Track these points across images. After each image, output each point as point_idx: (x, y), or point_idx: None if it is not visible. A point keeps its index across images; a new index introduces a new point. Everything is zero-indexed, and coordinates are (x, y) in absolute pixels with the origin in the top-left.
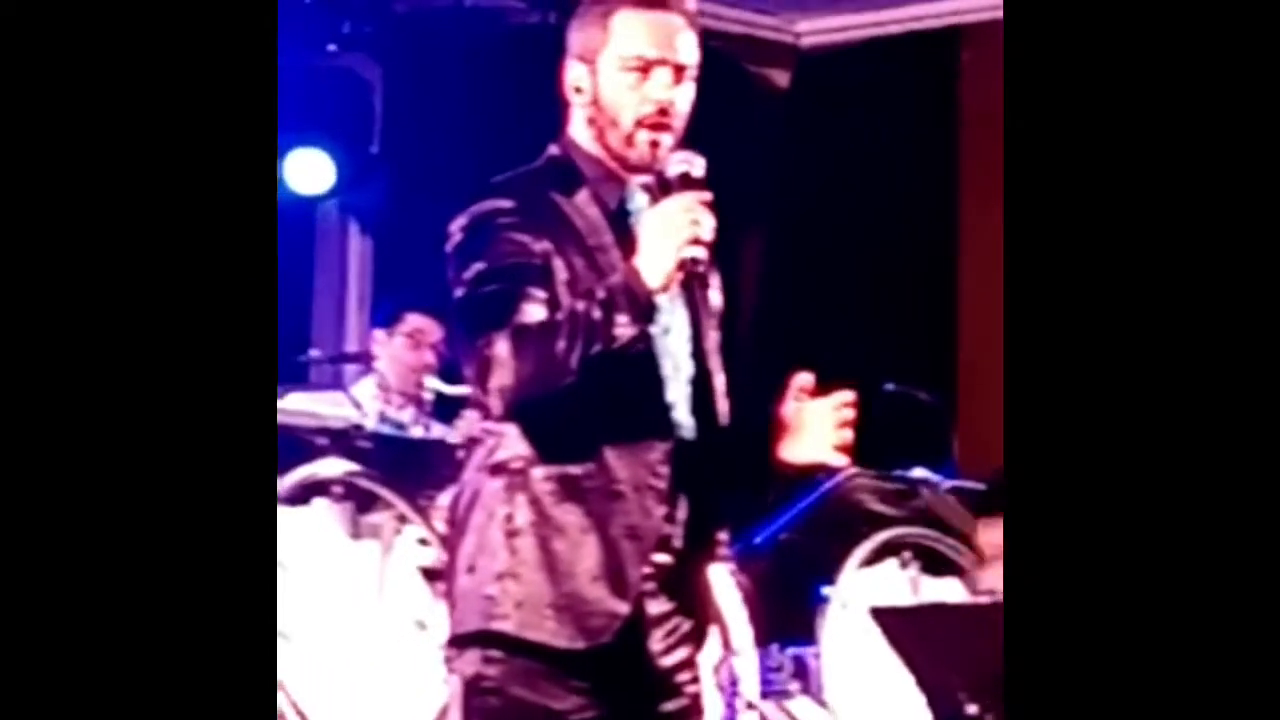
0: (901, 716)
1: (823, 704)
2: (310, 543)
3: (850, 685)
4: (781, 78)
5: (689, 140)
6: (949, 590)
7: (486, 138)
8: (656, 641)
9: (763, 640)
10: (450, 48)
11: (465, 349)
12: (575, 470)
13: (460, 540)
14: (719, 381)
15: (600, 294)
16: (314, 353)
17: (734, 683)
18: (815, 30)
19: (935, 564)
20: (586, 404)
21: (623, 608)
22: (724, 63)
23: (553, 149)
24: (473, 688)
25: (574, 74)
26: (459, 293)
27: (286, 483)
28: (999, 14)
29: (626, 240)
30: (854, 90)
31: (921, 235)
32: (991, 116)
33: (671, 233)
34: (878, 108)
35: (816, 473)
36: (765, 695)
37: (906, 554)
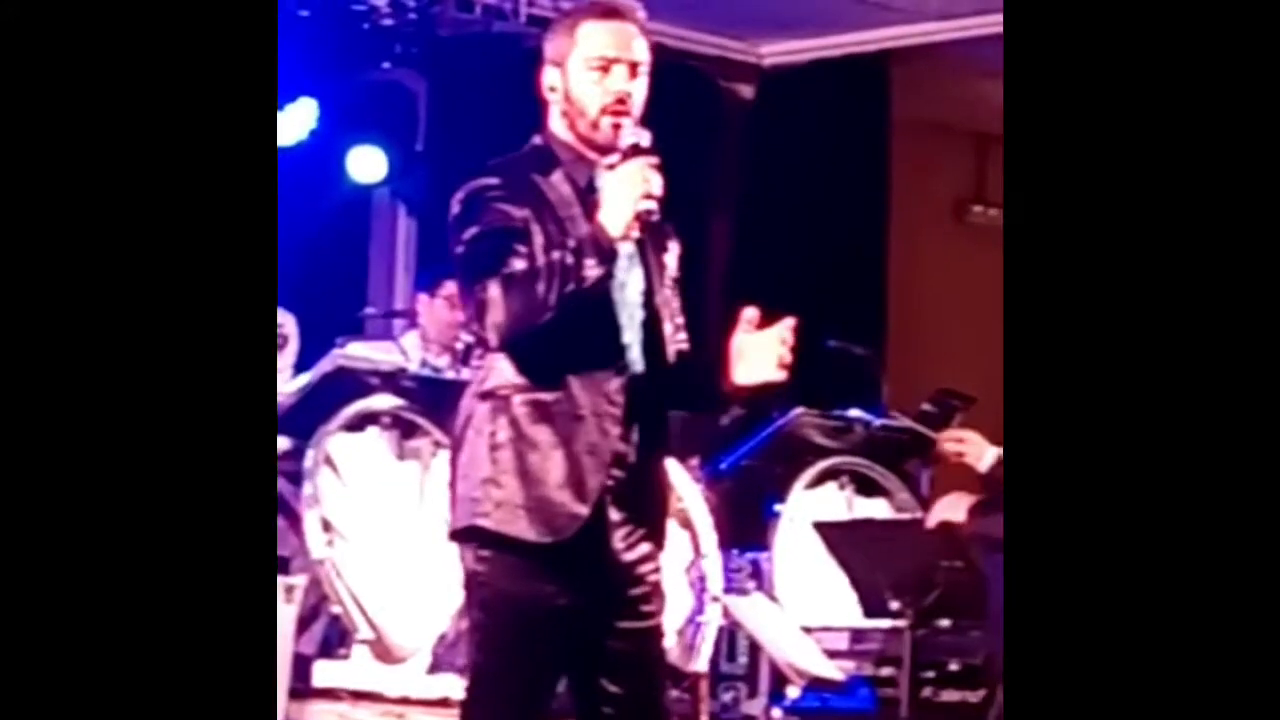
0: (837, 609)
1: (774, 599)
2: (364, 462)
3: (796, 584)
4: (747, 91)
5: (670, 140)
6: (877, 508)
7: (508, 136)
8: (618, 541)
9: (725, 546)
10: (480, 64)
11: (466, 296)
12: (546, 397)
13: (457, 454)
14: (666, 329)
15: (571, 244)
16: (369, 310)
17: (702, 579)
18: (775, 53)
19: (867, 487)
20: (559, 340)
21: (583, 510)
22: (699, 79)
23: (536, 139)
24: (471, 581)
25: (549, 77)
26: (459, 251)
27: (346, 414)
28: (926, 39)
29: (592, 212)
30: (806, 101)
31: (858, 218)
32: (915, 121)
33: (628, 189)
34: (825, 114)
35: (766, 394)
36: (727, 590)
37: (844, 478)
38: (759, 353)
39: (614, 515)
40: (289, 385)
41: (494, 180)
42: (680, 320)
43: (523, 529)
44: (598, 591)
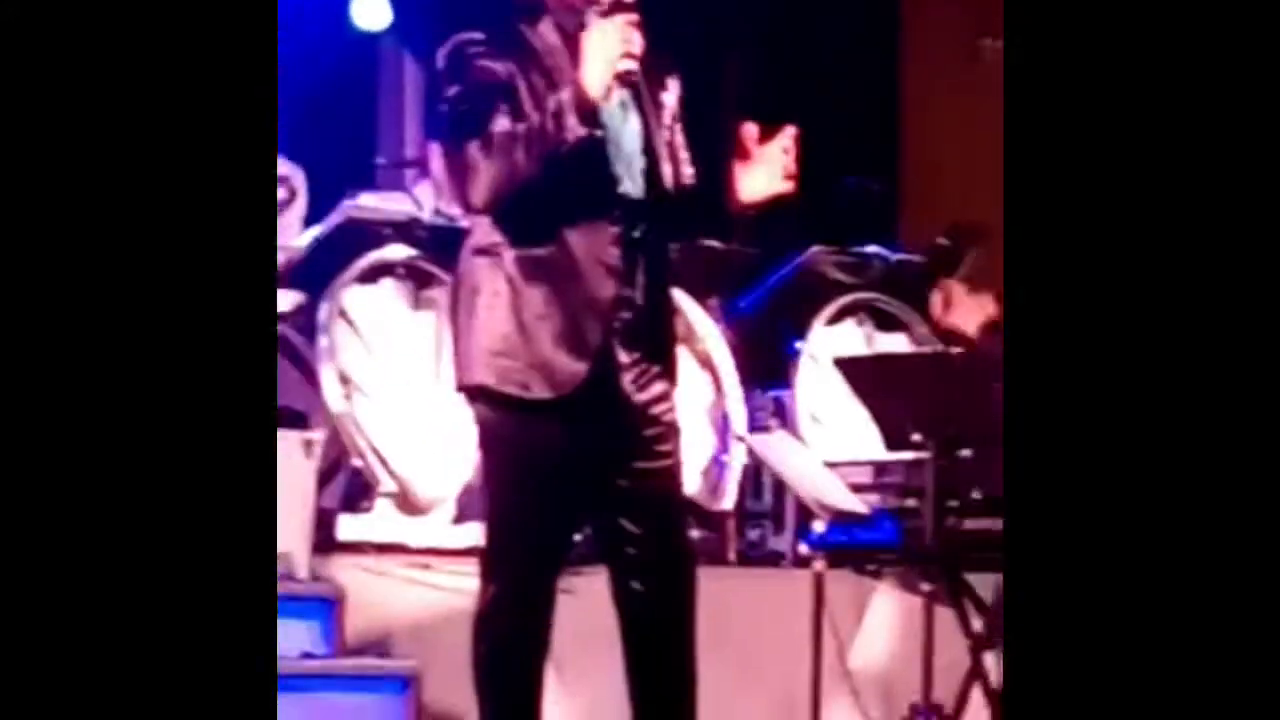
0: (860, 444)
1: (797, 436)
2: (379, 313)
3: (819, 421)
4: None
5: None
6: (896, 343)
7: None
8: (628, 382)
9: (747, 385)
10: None
11: (450, 155)
12: (540, 251)
13: (456, 311)
14: (667, 169)
15: (552, 105)
16: (380, 160)
17: (725, 418)
18: None
19: (885, 322)
20: (548, 196)
21: (582, 366)
22: None
23: None
24: (482, 433)
25: None
26: (442, 110)
27: (358, 265)
28: None
29: (580, 60)
30: None
31: (870, 53)
32: None
33: (607, 48)
34: None
35: (760, 208)
36: (751, 429)
37: (862, 314)
38: (763, 166)
39: (623, 357)
40: (299, 239)
41: (478, 35)
42: (685, 155)
43: (524, 388)
44: (611, 436)
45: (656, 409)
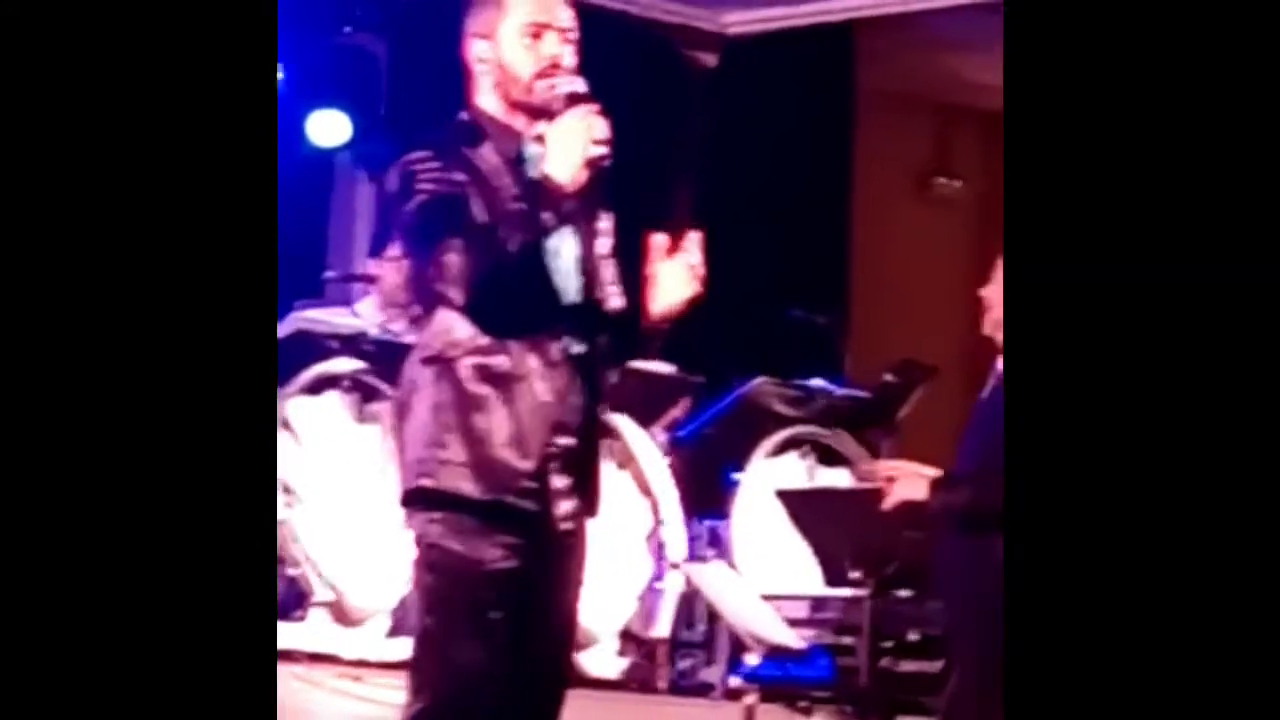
0: (797, 578)
1: (734, 566)
2: (323, 425)
3: (756, 552)
4: (710, 60)
5: (632, 110)
6: (838, 478)
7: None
8: (559, 507)
9: (687, 513)
10: (439, 28)
11: (420, 263)
12: (490, 360)
13: (403, 420)
14: (602, 291)
15: (525, 195)
16: (328, 274)
17: (661, 546)
18: (739, 21)
19: (828, 456)
20: (516, 291)
21: (528, 465)
22: (662, 47)
23: (461, 115)
24: (419, 543)
25: (476, 49)
26: (406, 222)
27: (305, 377)
28: (890, 10)
29: (522, 183)
30: (769, 69)
31: (822, 188)
32: (879, 92)
33: (574, 136)
34: (788, 83)
35: (676, 318)
36: (688, 559)
37: (805, 447)
38: (671, 274)
39: (555, 482)
40: None
41: (426, 153)
42: (615, 286)
43: (469, 487)
44: (536, 559)
45: (574, 537)
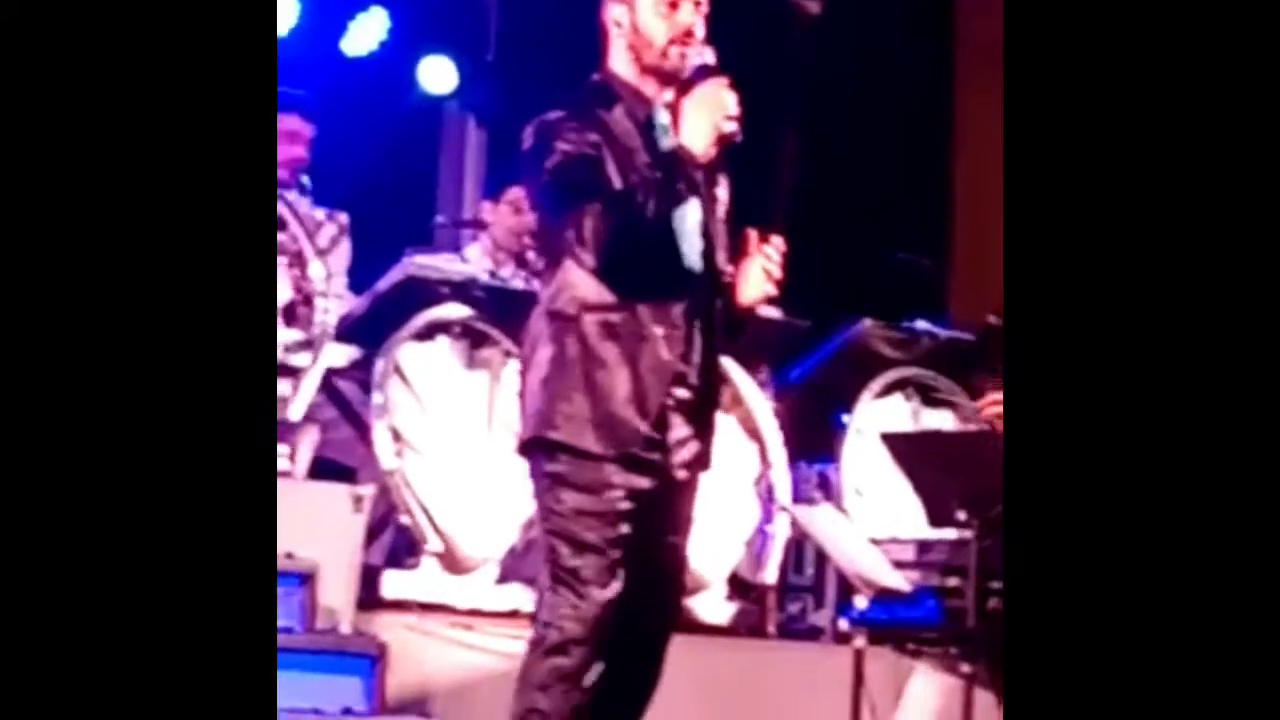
0: (904, 520)
1: (841, 510)
2: (434, 372)
3: (863, 495)
4: (814, 5)
5: (738, 58)
6: (943, 420)
7: (577, 48)
8: (674, 458)
9: (793, 457)
10: None
11: (558, 220)
12: (614, 317)
13: (527, 370)
14: (720, 257)
15: (646, 173)
16: (439, 219)
17: (770, 490)
18: None
19: (932, 399)
20: (648, 256)
21: (645, 425)
22: None
23: (594, 76)
24: (540, 491)
25: (614, 12)
26: (544, 180)
27: (416, 323)
28: None
29: (653, 148)
30: (873, 15)
31: (924, 131)
32: (980, 37)
33: (707, 109)
34: (891, 28)
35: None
36: (795, 501)
37: (909, 389)
38: (752, 273)
39: (671, 435)
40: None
41: (562, 113)
42: (725, 254)
43: (589, 441)
44: (653, 504)
45: (691, 487)
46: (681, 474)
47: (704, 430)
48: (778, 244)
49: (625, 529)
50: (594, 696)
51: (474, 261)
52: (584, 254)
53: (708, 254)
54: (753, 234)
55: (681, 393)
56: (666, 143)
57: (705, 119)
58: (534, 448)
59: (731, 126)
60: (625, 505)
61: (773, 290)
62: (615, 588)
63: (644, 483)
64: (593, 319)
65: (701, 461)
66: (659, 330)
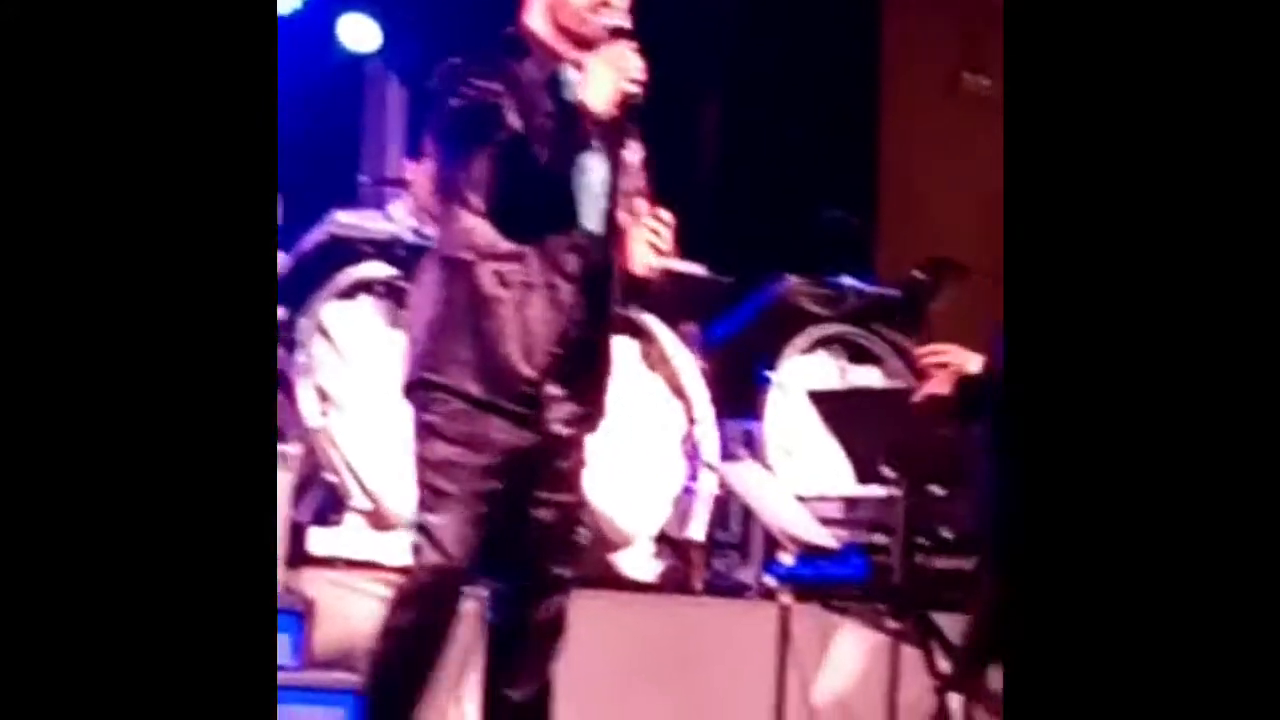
0: (830, 477)
1: (767, 467)
2: (358, 330)
3: (789, 453)
4: None
5: (659, 20)
6: (869, 376)
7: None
8: (554, 413)
9: (720, 414)
10: None
11: (453, 164)
12: (505, 266)
13: (417, 313)
14: (621, 216)
15: (558, 115)
16: (362, 178)
17: (695, 447)
18: None
19: (858, 355)
20: (528, 209)
21: (531, 372)
22: None
23: (508, 29)
24: (421, 431)
25: None
26: (442, 122)
27: (339, 282)
28: None
29: (556, 102)
30: None
31: (850, 87)
32: None
33: (611, 69)
34: None
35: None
36: (722, 459)
37: (836, 346)
38: (637, 243)
39: (551, 389)
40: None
41: (469, 59)
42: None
43: (472, 386)
44: (531, 460)
45: (573, 446)
46: (565, 430)
47: (593, 389)
48: (666, 217)
49: (493, 484)
50: (443, 650)
51: (399, 220)
52: (474, 196)
53: (610, 214)
54: (641, 203)
55: (571, 348)
56: (567, 96)
57: (609, 78)
58: (418, 388)
59: (634, 89)
60: (496, 460)
61: (656, 262)
62: (472, 542)
63: (522, 439)
64: (485, 267)
65: (589, 421)
66: (551, 282)
